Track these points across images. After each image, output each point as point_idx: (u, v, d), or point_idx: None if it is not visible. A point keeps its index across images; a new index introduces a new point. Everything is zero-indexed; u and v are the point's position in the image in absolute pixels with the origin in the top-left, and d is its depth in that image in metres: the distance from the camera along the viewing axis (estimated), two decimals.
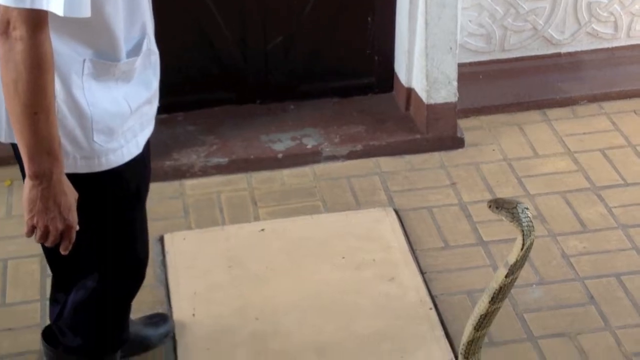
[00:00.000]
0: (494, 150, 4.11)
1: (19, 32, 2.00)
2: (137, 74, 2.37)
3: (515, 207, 2.54)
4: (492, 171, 3.98)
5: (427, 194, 3.87)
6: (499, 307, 2.58)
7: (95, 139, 2.30)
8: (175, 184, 3.91)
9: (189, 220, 3.73)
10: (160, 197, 3.82)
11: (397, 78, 4.26)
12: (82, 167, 2.32)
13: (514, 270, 2.55)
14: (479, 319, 2.57)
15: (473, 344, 2.60)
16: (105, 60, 2.27)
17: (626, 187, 3.87)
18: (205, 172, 3.95)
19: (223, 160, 3.96)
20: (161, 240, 3.61)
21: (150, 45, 2.40)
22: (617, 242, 3.59)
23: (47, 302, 3.35)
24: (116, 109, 2.33)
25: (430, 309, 3.32)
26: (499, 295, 2.58)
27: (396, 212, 3.77)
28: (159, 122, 4.06)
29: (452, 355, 3.14)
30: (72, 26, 2.14)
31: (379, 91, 4.33)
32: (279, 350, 3.17)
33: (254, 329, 3.23)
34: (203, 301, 3.33)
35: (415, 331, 3.23)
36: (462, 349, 2.61)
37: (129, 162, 2.41)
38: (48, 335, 2.80)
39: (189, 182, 3.92)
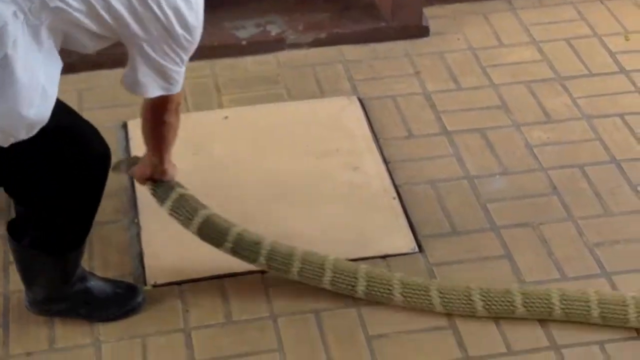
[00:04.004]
0: (458, 39, 4.08)
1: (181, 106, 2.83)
2: None
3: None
4: (457, 60, 3.96)
5: (391, 83, 3.85)
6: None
7: None
8: None
9: None
10: None
11: None
12: None
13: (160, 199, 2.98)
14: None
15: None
16: None
17: (591, 77, 3.86)
18: None
19: None
20: (124, 126, 3.59)
21: None
22: (581, 132, 3.60)
23: None
24: None
25: (394, 198, 3.33)
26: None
27: (360, 100, 3.74)
28: None
29: (415, 243, 3.16)
30: None
31: None
32: None
33: None
34: None
35: (379, 220, 3.25)
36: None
37: None
38: (12, 229, 2.79)
39: None
